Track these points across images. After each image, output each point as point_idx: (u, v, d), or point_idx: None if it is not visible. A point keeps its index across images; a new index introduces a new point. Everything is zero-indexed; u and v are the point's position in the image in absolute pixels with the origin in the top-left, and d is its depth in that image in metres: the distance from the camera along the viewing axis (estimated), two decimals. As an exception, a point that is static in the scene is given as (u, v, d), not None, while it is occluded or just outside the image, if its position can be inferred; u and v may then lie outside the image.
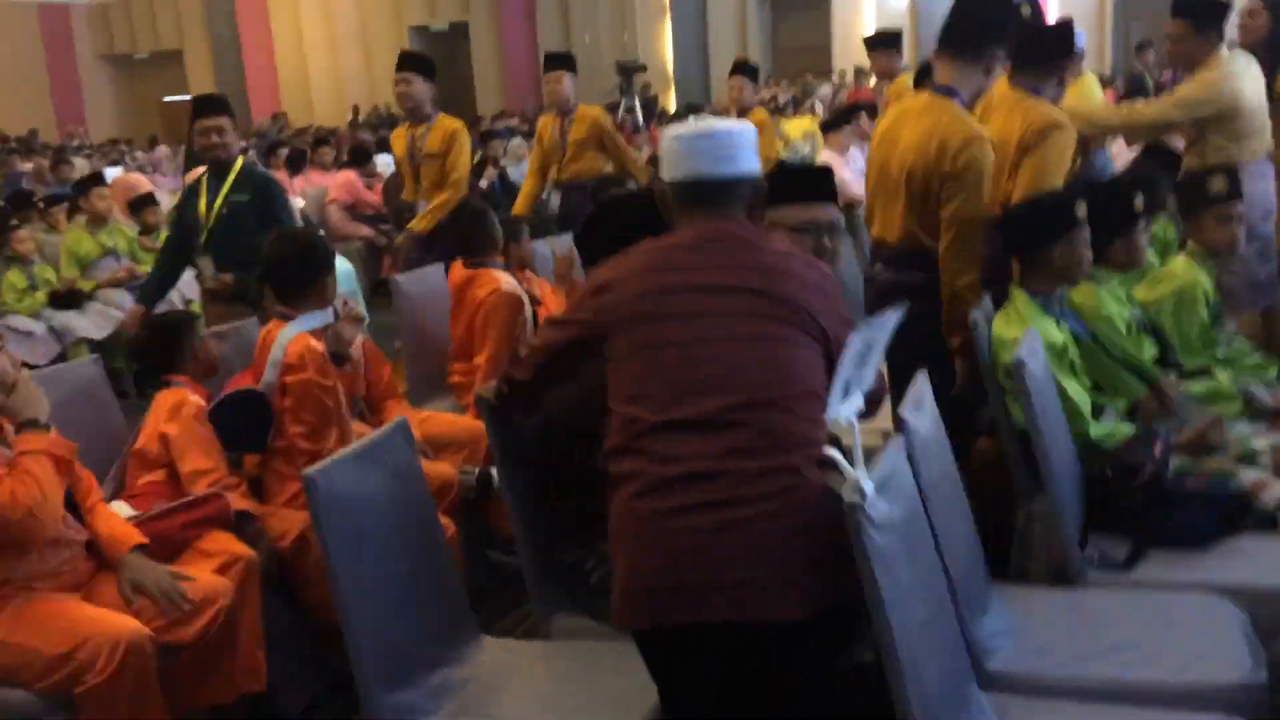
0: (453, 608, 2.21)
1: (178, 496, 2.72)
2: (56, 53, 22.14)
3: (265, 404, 2.88)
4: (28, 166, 10.71)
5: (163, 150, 12.41)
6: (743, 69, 6.45)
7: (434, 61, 5.20)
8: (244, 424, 2.87)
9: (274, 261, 3.06)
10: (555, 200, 5.90)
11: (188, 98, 22.04)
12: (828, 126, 7.22)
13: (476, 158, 8.74)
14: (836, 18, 18.29)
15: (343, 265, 5.16)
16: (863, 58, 9.02)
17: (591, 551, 2.22)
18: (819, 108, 12.94)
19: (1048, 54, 3.12)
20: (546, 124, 5.80)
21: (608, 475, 1.79)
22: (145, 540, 2.44)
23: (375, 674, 1.93)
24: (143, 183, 7.58)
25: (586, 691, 2.04)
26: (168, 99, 22.82)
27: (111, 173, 8.95)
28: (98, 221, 6.44)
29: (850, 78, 15.47)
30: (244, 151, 4.91)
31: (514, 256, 4.21)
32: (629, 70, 13.32)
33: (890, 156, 2.90)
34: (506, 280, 3.91)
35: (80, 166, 10.14)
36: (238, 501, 2.73)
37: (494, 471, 3.04)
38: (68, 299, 6.03)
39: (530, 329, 3.89)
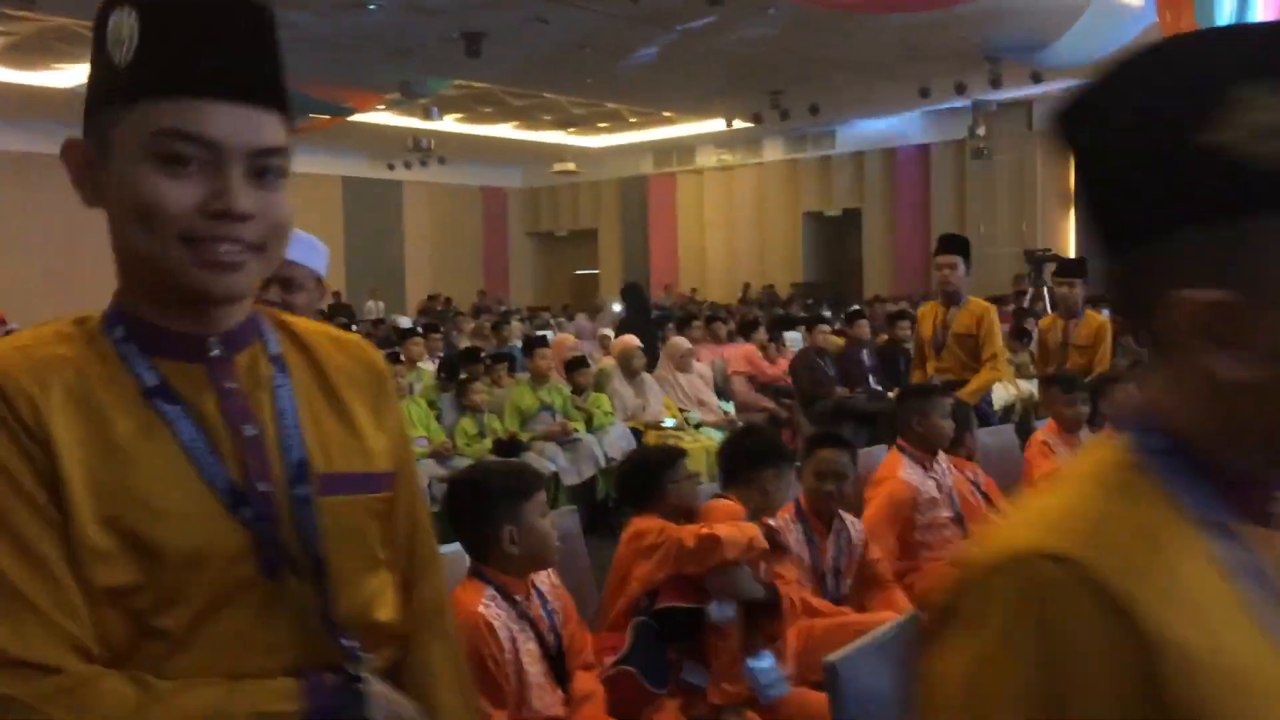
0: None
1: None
2: (492, 229, 25.28)
3: None
4: (469, 327, 12.03)
5: (581, 318, 13.52)
6: None
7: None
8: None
9: None
10: None
11: (596, 272, 24.23)
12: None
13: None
14: None
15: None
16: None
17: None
18: None
19: None
20: (928, 312, 5.53)
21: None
22: None
23: None
24: (577, 345, 8.20)
25: None
26: (579, 272, 25.16)
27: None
28: (539, 379, 7.01)
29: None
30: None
31: (966, 446, 4.02)
32: (1039, 260, 12.85)
33: None
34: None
35: (515, 329, 11.24)
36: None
37: None
38: (509, 447, 6.53)
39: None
